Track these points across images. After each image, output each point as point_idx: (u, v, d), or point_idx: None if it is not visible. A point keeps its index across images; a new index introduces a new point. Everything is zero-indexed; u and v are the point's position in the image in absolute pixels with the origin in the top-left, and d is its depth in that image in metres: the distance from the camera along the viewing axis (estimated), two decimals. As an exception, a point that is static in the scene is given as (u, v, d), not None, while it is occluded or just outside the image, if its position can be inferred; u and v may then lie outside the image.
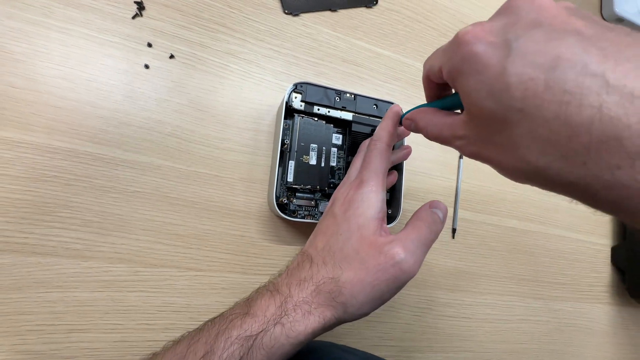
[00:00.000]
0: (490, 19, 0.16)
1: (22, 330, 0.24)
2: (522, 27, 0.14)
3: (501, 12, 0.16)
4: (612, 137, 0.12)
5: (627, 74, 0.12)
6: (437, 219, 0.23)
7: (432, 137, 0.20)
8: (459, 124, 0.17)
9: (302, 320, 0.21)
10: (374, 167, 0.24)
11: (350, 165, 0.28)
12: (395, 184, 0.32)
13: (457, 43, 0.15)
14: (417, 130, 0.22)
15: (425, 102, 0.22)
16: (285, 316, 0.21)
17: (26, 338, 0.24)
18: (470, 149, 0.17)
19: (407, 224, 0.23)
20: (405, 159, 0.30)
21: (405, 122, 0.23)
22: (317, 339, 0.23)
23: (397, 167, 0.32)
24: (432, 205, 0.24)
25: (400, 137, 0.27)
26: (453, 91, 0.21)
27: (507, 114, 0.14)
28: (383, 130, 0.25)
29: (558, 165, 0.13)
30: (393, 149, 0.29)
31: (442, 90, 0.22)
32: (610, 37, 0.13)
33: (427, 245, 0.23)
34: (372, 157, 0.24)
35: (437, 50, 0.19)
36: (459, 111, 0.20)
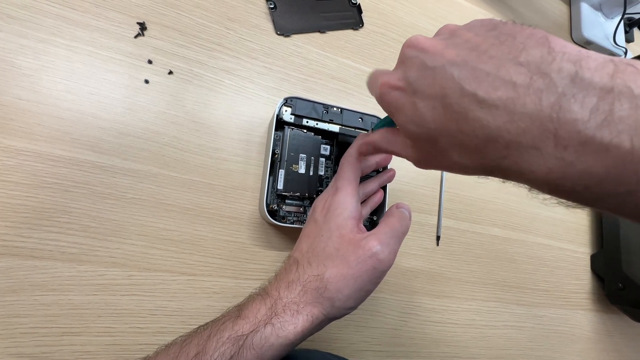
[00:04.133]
0: (394, 70, 0.20)
1: (16, 333, 0.25)
2: (416, 71, 0.18)
3: (399, 63, 0.20)
4: (490, 138, 0.15)
5: (488, 89, 0.15)
6: (405, 216, 0.26)
7: (393, 154, 0.24)
8: (407, 145, 0.21)
9: (291, 320, 0.22)
10: (346, 176, 0.27)
11: (331, 180, 0.30)
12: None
13: (380, 93, 0.20)
14: (378, 152, 0.26)
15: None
16: (275, 317, 0.22)
17: (19, 341, 0.25)
18: (424, 164, 0.21)
19: (379, 222, 0.26)
20: (390, 181, 0.33)
21: (362, 149, 0.26)
22: (306, 342, 0.24)
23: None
24: (398, 205, 0.27)
25: (380, 165, 0.32)
26: None
27: (429, 134, 0.18)
28: (352, 148, 0.29)
29: (473, 161, 0.17)
30: (378, 172, 0.33)
31: None
32: (472, 58, 0.16)
33: (399, 237, 0.25)
34: (343, 168, 0.28)
35: (370, 81, 0.23)
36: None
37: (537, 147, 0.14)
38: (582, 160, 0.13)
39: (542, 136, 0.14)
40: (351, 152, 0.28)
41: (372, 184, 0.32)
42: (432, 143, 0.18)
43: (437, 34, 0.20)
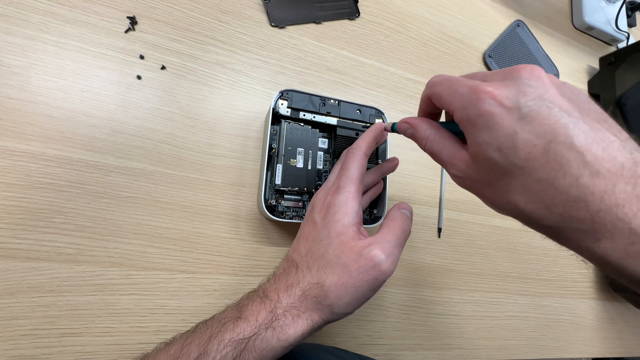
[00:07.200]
0: (503, 86, 0.18)
1: (15, 335, 0.25)
2: (531, 100, 0.17)
3: (509, 78, 0.18)
4: (581, 199, 0.16)
5: (596, 155, 0.16)
6: (407, 218, 0.25)
7: (428, 151, 0.22)
8: (462, 159, 0.19)
9: (291, 324, 0.22)
10: (350, 174, 0.25)
11: (330, 172, 0.29)
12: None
13: (476, 99, 0.18)
14: (413, 137, 0.23)
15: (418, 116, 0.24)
16: (276, 320, 0.22)
17: (19, 343, 0.25)
18: (465, 184, 0.20)
19: (381, 226, 0.25)
20: (393, 170, 0.31)
21: (403, 126, 0.24)
22: (309, 337, 0.24)
23: None
24: (400, 207, 0.26)
25: (379, 142, 0.29)
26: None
27: (509, 167, 0.17)
28: (363, 140, 0.27)
29: (541, 212, 0.17)
30: (379, 161, 0.32)
31: (437, 112, 0.24)
32: (585, 120, 0.16)
33: (402, 244, 0.24)
34: (349, 164, 0.26)
35: (450, 82, 0.20)
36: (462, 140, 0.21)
37: (628, 222, 0.15)
38: None
39: (632, 213, 0.15)
40: (360, 145, 0.26)
41: (373, 175, 0.31)
42: (502, 176, 0.17)
43: (542, 73, 0.18)
